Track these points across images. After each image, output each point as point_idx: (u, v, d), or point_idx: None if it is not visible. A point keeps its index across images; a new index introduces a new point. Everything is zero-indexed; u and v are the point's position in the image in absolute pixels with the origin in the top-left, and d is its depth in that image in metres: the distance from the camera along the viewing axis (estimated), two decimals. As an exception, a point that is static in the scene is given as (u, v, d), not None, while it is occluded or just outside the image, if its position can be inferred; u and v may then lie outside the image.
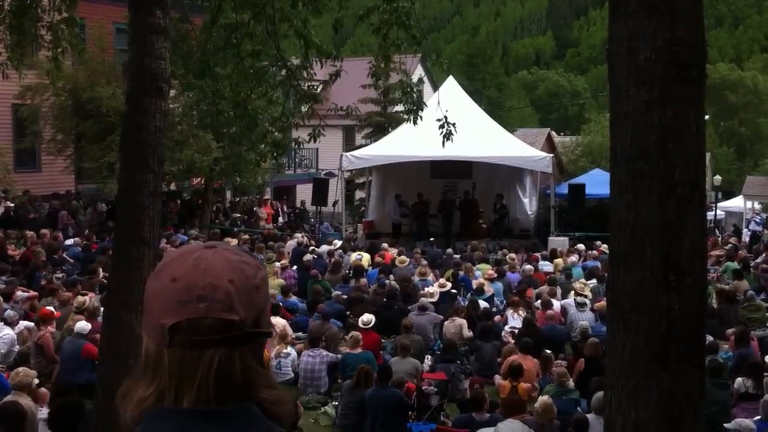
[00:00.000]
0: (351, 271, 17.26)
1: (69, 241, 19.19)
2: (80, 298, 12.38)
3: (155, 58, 7.23)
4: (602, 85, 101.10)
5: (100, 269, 14.74)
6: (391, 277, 16.48)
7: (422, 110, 11.10)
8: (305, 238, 22.28)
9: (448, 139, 11.05)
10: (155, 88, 7.20)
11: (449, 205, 24.97)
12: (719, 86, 77.22)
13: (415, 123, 11.20)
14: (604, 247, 19.98)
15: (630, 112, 3.78)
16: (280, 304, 14.04)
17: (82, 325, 10.83)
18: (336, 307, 14.20)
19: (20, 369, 8.86)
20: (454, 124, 10.93)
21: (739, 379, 10.17)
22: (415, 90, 11.29)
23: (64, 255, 17.60)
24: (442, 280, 15.90)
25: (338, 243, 20.85)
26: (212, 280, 1.33)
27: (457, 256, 19.10)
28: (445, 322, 13.27)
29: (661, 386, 3.67)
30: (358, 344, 11.61)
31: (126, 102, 7.62)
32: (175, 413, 1.33)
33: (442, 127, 10.92)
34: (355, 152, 25.77)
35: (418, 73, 36.27)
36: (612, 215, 3.94)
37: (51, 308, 12.18)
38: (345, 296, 14.90)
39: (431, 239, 22.38)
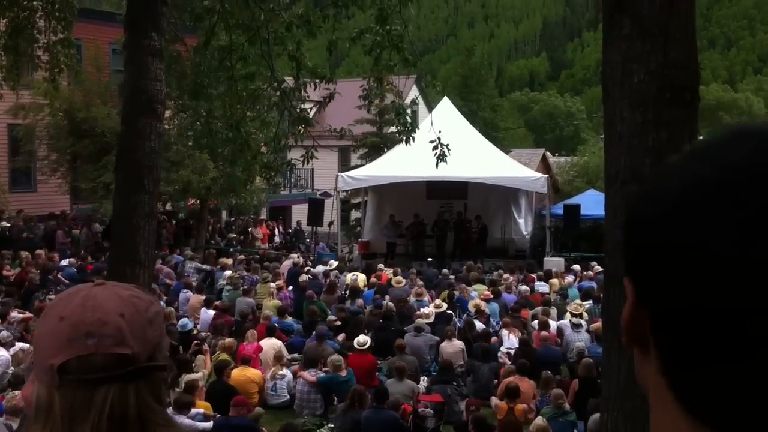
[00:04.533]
0: (347, 292, 17.21)
1: (64, 262, 19.13)
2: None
3: (151, 79, 7.27)
4: (596, 106, 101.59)
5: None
6: (387, 297, 16.44)
7: (415, 131, 11.16)
8: (300, 258, 22.25)
9: (442, 159, 11.10)
10: (151, 109, 7.22)
11: (443, 225, 24.98)
12: (714, 107, 77.68)
13: (407, 143, 11.25)
14: (598, 268, 19.99)
15: (624, 134, 3.80)
16: (276, 325, 13.98)
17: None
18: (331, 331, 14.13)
19: (16, 393, 8.80)
20: (447, 145, 10.98)
21: None
22: (407, 111, 11.36)
23: (59, 275, 17.54)
24: (437, 301, 15.84)
25: (334, 263, 20.82)
26: (101, 315, 1.30)
27: (453, 276, 19.07)
28: (442, 344, 13.22)
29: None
30: (340, 369, 11.54)
31: (122, 123, 7.65)
32: None
33: (435, 148, 10.97)
34: (351, 173, 25.80)
35: (413, 93, 36.42)
36: (607, 237, 3.94)
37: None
38: (338, 322, 14.72)
39: (428, 260, 22.36)
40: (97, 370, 1.28)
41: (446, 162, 11.14)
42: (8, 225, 22.26)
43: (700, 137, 4.22)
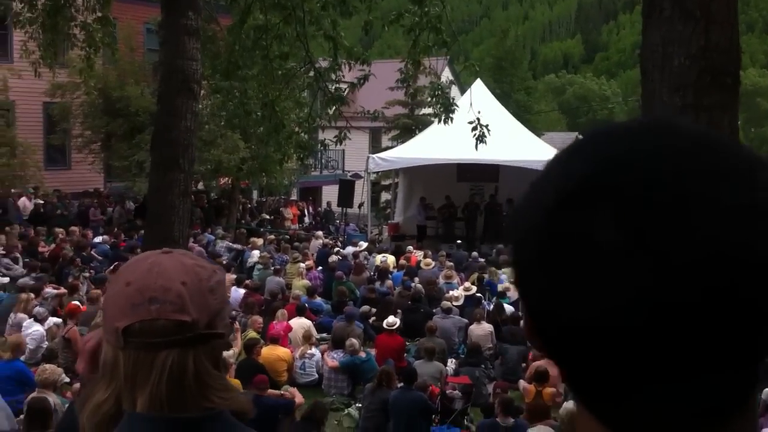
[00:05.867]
0: (376, 273, 17.26)
1: (98, 239, 19.38)
2: (108, 296, 12.48)
3: (187, 58, 7.31)
4: (631, 89, 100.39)
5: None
6: (416, 279, 16.46)
7: (453, 111, 11.10)
8: (329, 240, 22.32)
9: (481, 141, 11.02)
10: (187, 88, 7.27)
11: (473, 208, 24.89)
12: (751, 92, 76.27)
13: (446, 123, 11.20)
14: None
15: (663, 118, 3.76)
16: (306, 305, 14.07)
17: (111, 322, 10.90)
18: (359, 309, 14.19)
19: (47, 366, 8.92)
20: (486, 126, 10.90)
21: (766, 390, 10.01)
22: (446, 91, 11.30)
23: (92, 252, 17.77)
24: (467, 284, 15.84)
25: (363, 245, 20.86)
26: (164, 282, 1.36)
27: (483, 259, 19.03)
28: (471, 326, 13.23)
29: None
30: (356, 352, 11.64)
31: (157, 102, 7.70)
32: (153, 420, 1.34)
33: (475, 129, 10.89)
34: (382, 154, 25.75)
35: (445, 75, 36.24)
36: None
37: (77, 303, 12.33)
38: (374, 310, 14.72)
39: (458, 242, 22.31)
40: (158, 335, 1.34)
41: (486, 143, 11.07)
42: (42, 202, 22.58)
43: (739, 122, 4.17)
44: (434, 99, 11.30)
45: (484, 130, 10.79)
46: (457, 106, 11.44)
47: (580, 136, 0.73)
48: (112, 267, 15.71)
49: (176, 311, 1.34)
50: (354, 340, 11.81)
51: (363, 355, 11.68)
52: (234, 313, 14.27)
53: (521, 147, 23.45)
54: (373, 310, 14.24)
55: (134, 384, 1.34)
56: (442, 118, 11.17)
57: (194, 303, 1.36)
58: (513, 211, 0.75)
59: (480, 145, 11.31)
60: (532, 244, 0.68)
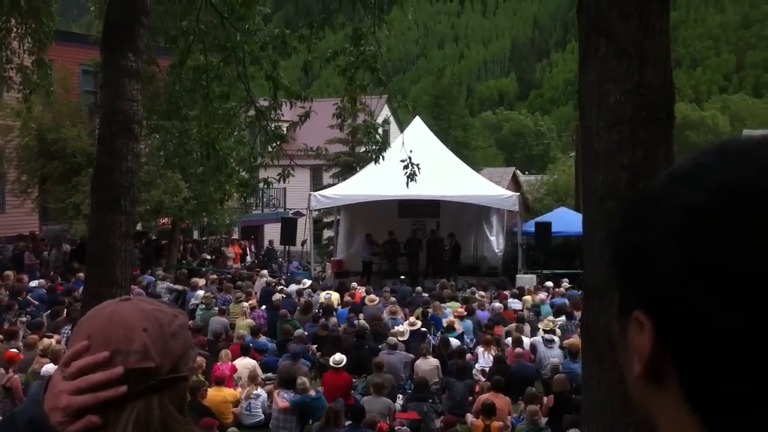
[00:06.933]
0: (320, 310, 17.19)
1: (33, 283, 18.91)
2: (45, 341, 12.18)
3: (127, 100, 7.28)
4: (565, 124, 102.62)
5: (65, 311, 14.55)
6: (361, 316, 16.44)
7: (385, 150, 11.28)
8: (273, 278, 22.16)
9: (412, 179, 11.20)
10: (127, 129, 7.23)
11: (415, 244, 25.06)
12: (681, 126, 78.68)
13: (377, 162, 11.36)
14: (567, 285, 20.17)
15: (601, 152, 3.89)
16: (250, 344, 13.92)
17: (49, 368, 10.63)
18: (304, 346, 14.14)
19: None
20: (417, 165, 11.08)
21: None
22: (378, 130, 11.47)
23: (28, 297, 17.31)
24: (412, 319, 15.87)
25: (307, 282, 20.78)
26: (126, 332, 1.35)
27: (426, 294, 19.11)
28: (417, 361, 13.25)
29: (638, 422, 3.71)
30: (307, 390, 11.59)
31: (98, 143, 7.63)
32: None
33: (406, 167, 11.07)
34: (324, 192, 25.81)
35: (385, 113, 36.58)
36: (586, 253, 4.01)
37: (15, 350, 11.98)
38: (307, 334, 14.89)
39: (401, 277, 22.38)
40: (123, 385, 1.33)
41: (416, 181, 11.24)
42: (-24, 246, 22.00)
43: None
44: (367, 138, 11.46)
45: (414, 169, 10.98)
46: (389, 146, 11.63)
47: (704, 152, 0.72)
48: (49, 312, 15.37)
49: (141, 360, 1.34)
50: (304, 378, 11.72)
51: (313, 393, 11.58)
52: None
53: (461, 182, 23.79)
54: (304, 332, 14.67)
55: None
56: (374, 157, 11.34)
57: (157, 349, 1.35)
58: (627, 222, 0.75)
59: (420, 182, 11.47)
60: (669, 253, 0.68)
